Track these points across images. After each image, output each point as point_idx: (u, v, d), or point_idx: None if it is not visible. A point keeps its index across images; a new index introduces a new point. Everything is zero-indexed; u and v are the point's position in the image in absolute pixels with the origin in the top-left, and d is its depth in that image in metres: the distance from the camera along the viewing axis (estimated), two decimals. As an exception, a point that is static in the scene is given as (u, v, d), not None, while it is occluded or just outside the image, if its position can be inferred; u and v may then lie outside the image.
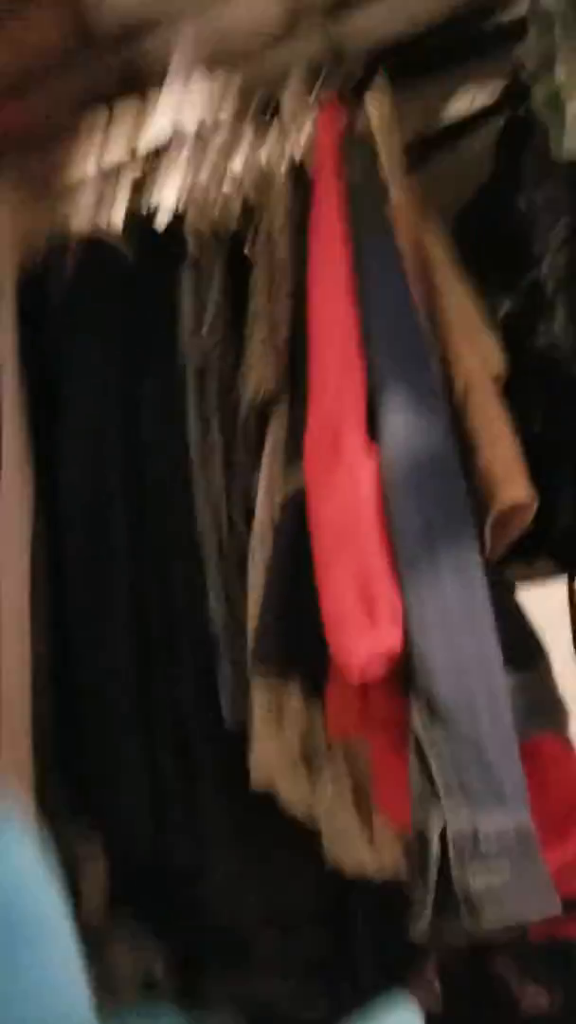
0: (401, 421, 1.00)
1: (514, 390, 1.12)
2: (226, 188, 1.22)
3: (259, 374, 1.07)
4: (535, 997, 1.07)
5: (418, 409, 1.01)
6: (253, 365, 1.08)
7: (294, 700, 1.00)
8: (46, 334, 1.30)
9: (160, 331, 1.20)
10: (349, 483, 0.96)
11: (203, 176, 1.24)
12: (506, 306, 1.19)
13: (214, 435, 1.15)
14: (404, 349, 1.05)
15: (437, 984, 1.11)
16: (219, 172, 1.23)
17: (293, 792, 0.99)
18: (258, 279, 1.11)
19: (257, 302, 1.10)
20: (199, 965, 1.23)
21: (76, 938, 1.20)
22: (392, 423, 0.99)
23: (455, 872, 0.77)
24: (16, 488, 1.24)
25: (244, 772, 1.00)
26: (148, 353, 1.21)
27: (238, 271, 1.15)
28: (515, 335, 1.15)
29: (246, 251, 1.15)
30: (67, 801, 1.13)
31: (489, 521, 1.01)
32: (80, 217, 1.32)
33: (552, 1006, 1.07)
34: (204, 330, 1.13)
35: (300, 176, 1.14)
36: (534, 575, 1.38)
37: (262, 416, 1.12)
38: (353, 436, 0.99)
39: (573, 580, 1.24)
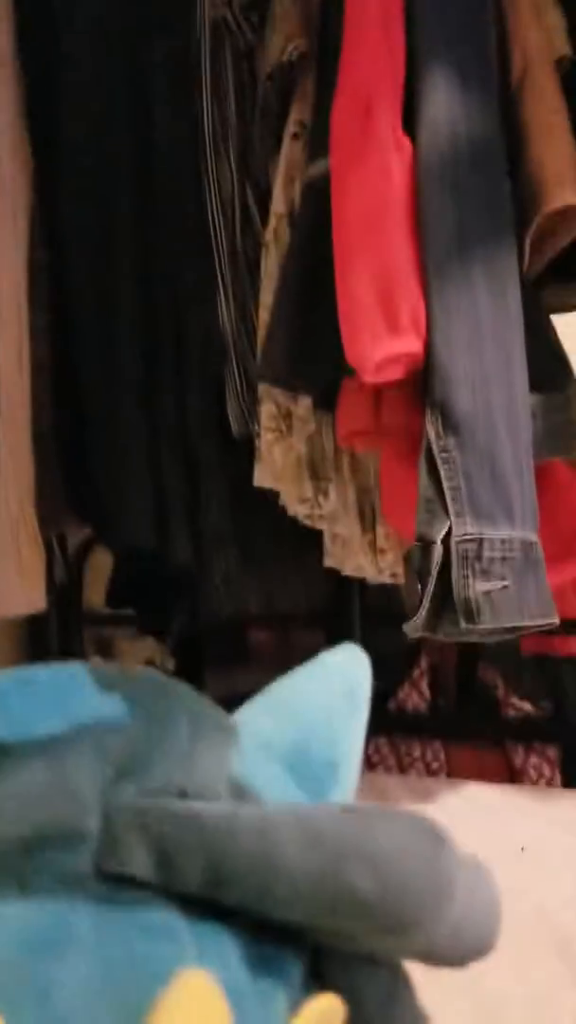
0: (444, 101, 0.87)
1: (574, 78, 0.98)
2: None
3: (285, 34, 0.92)
4: (519, 704, 1.13)
5: (466, 88, 0.88)
6: (278, 24, 0.93)
7: (302, 408, 0.96)
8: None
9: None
10: (379, 168, 0.85)
11: None
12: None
13: (230, 115, 1.02)
14: (457, 18, 0.90)
15: (426, 687, 1.16)
16: None
17: (296, 495, 0.97)
18: None
19: None
20: (199, 658, 1.30)
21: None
22: (434, 103, 0.87)
23: (456, 576, 0.76)
24: (12, 180, 1.13)
25: (248, 478, 0.99)
26: (159, 10, 1.05)
27: None
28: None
29: None
30: (71, 505, 1.13)
31: (532, 228, 0.91)
32: None
33: (535, 713, 1.12)
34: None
35: None
36: (571, 302, 1.29)
37: (284, 92, 0.98)
38: (387, 116, 0.86)
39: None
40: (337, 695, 0.40)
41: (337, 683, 0.41)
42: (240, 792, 0.32)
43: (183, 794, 0.30)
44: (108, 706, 0.33)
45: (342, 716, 0.40)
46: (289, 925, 0.29)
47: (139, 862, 0.28)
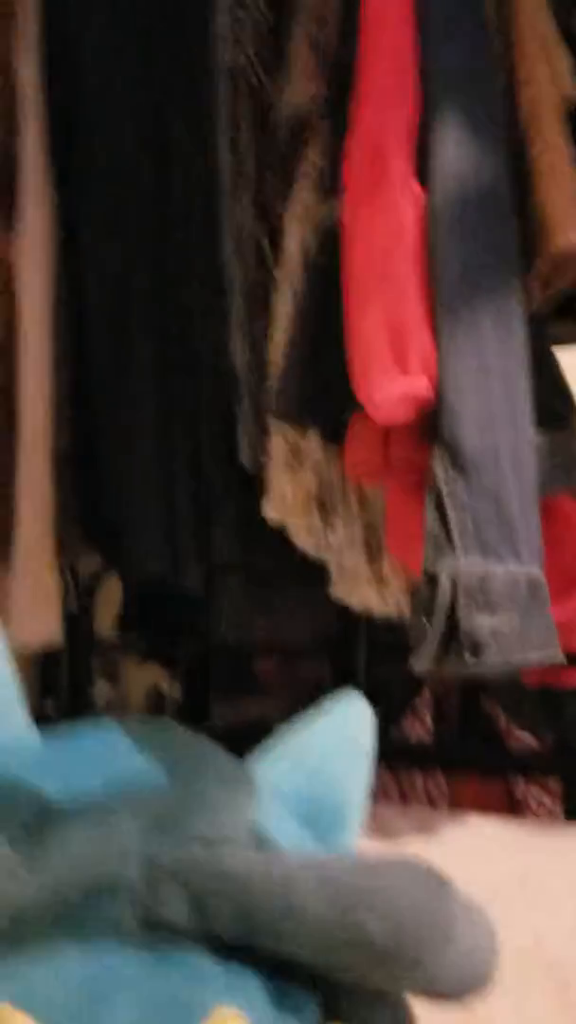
0: (453, 150, 0.90)
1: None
2: None
3: (301, 82, 0.95)
4: (521, 736, 1.14)
5: (474, 137, 0.91)
6: (295, 72, 0.96)
7: (312, 442, 0.98)
8: (71, 37, 1.17)
9: (193, 29, 1.06)
10: (390, 213, 0.88)
11: None
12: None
13: (245, 156, 1.05)
14: (466, 63, 0.94)
15: (429, 718, 1.18)
16: None
17: (305, 529, 0.99)
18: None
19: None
20: (205, 684, 1.31)
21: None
22: (443, 151, 0.90)
23: (462, 615, 0.78)
24: (37, 219, 1.16)
25: (257, 509, 1.01)
26: (178, 55, 1.08)
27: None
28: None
29: None
30: (84, 529, 1.15)
31: (538, 268, 0.94)
32: None
33: (537, 746, 1.13)
34: (243, 16, 1.00)
35: None
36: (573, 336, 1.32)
37: (299, 137, 1.01)
38: (398, 162, 0.90)
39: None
40: (343, 745, 0.43)
41: (343, 733, 0.43)
42: (261, 842, 0.34)
43: (212, 847, 0.32)
44: (143, 765, 0.36)
45: (348, 765, 0.42)
46: (306, 963, 0.32)
47: (176, 911, 0.31)
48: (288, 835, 0.36)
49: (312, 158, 0.99)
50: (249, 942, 0.31)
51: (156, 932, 0.31)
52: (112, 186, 1.11)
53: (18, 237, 1.15)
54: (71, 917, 0.31)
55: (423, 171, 0.89)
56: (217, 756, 0.38)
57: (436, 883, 0.32)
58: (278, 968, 0.32)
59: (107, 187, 1.11)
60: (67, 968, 0.30)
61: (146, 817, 0.33)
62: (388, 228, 0.87)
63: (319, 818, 0.40)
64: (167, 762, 0.36)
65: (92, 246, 1.13)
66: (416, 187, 0.88)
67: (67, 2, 1.18)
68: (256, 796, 0.37)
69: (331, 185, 0.93)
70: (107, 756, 0.37)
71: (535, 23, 0.96)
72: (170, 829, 0.33)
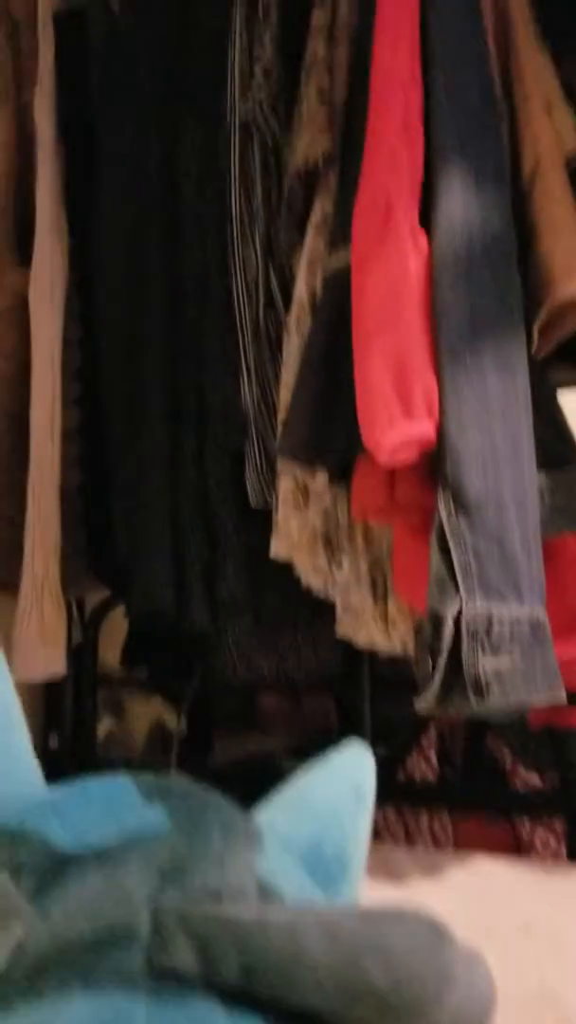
0: (459, 201, 0.93)
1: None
2: None
3: (311, 135, 0.98)
4: (527, 777, 1.14)
5: (480, 189, 0.94)
6: (306, 124, 0.99)
7: (319, 482, 0.99)
8: (87, 80, 1.21)
9: (207, 80, 1.10)
10: (397, 263, 0.90)
11: None
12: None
13: (256, 204, 1.08)
14: (472, 118, 0.96)
15: (434, 757, 1.18)
16: None
17: (311, 566, 1.00)
18: (318, 20, 0.99)
19: (315, 48, 0.99)
20: (209, 720, 1.32)
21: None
22: (449, 202, 0.92)
23: (466, 655, 0.79)
24: (50, 256, 1.19)
25: (264, 547, 1.02)
26: (192, 104, 1.12)
27: (297, 13, 1.03)
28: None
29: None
30: (91, 566, 1.16)
31: (540, 316, 0.96)
32: None
33: (542, 786, 1.13)
34: (256, 68, 1.03)
35: None
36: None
37: (309, 186, 1.04)
38: (405, 212, 0.92)
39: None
40: (345, 794, 0.44)
41: (345, 782, 0.44)
42: (266, 892, 0.35)
43: (218, 897, 0.33)
44: (151, 815, 0.37)
45: (350, 814, 0.43)
46: (311, 1011, 0.32)
47: (184, 959, 0.32)
48: (292, 884, 0.37)
49: (321, 207, 1.02)
50: (255, 990, 0.32)
51: (164, 980, 0.32)
52: (125, 229, 1.14)
53: (32, 274, 1.17)
54: (81, 965, 0.32)
55: (429, 221, 0.91)
56: (223, 808, 0.39)
57: (436, 932, 0.33)
58: (284, 1017, 0.32)
59: (120, 230, 1.14)
60: (77, 1014, 0.31)
61: (154, 868, 0.34)
62: (395, 276, 0.89)
63: (322, 867, 0.40)
64: (174, 814, 0.37)
65: (105, 287, 1.15)
66: (422, 236, 0.90)
67: (85, 50, 1.22)
68: (260, 847, 0.37)
69: (339, 234, 0.96)
70: (116, 807, 0.38)
71: (539, 81, 0.99)
72: (177, 880, 0.34)
